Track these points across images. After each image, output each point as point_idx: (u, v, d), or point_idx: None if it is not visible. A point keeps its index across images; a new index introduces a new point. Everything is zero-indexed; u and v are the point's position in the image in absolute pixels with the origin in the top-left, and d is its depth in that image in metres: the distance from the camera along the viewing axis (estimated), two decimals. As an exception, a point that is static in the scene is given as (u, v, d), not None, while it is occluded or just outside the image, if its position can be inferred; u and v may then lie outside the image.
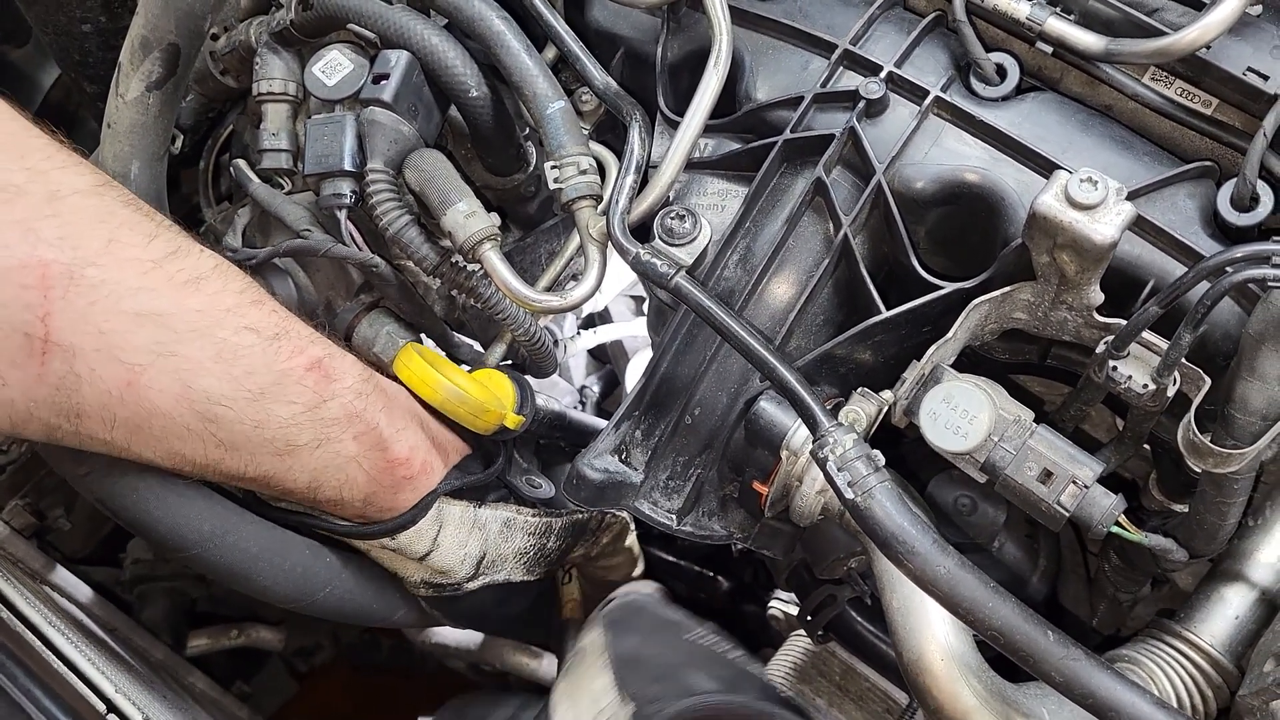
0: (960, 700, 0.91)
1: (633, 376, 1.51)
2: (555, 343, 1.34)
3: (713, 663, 1.09)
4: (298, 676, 2.07)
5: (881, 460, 0.82)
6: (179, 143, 1.21)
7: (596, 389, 1.60)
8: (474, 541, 1.05)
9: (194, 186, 1.35)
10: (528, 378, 1.16)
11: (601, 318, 1.58)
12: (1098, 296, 0.87)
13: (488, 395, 1.00)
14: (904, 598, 0.94)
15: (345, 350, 0.96)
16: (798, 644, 1.31)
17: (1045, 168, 0.91)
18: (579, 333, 1.37)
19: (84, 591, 1.41)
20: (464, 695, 1.37)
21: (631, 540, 1.32)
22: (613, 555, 1.31)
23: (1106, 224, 0.81)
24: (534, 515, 1.11)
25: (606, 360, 1.68)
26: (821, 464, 0.83)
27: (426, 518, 1.00)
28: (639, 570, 1.38)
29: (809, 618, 1.18)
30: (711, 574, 1.79)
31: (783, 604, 1.37)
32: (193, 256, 0.88)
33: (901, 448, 1.09)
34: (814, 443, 0.83)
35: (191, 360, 0.85)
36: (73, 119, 1.52)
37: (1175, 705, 0.97)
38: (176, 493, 0.92)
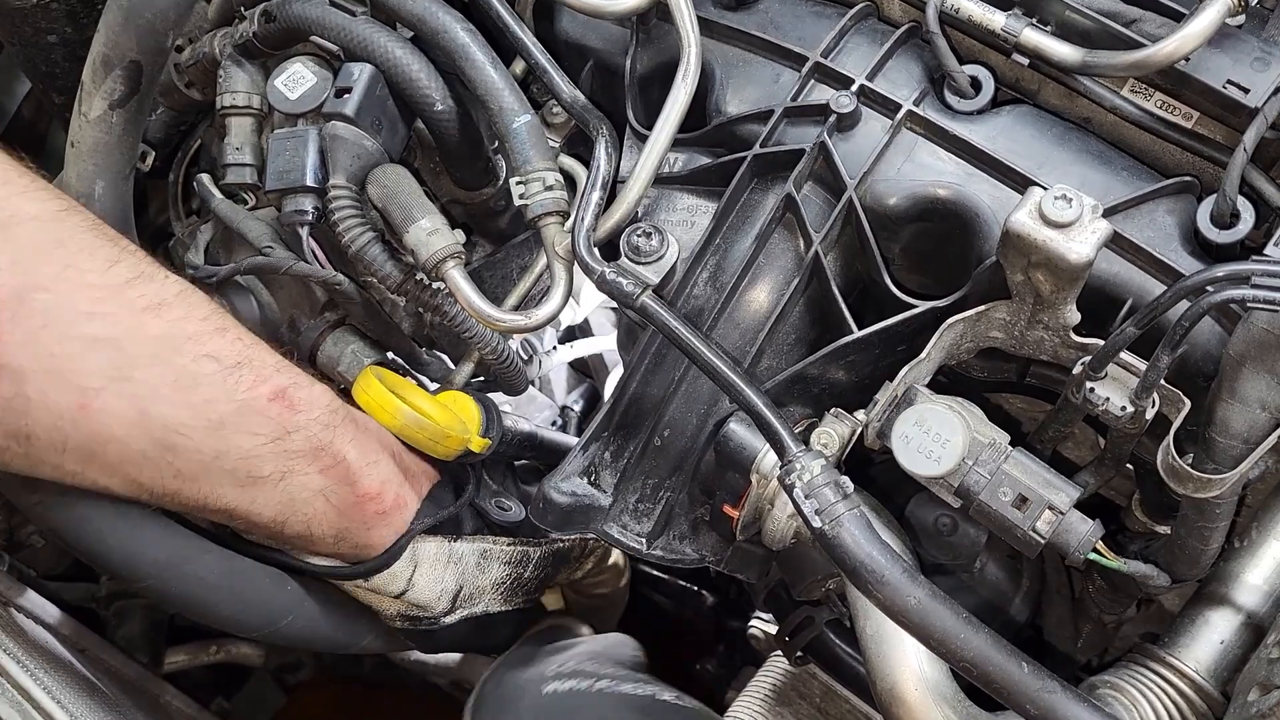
0: (935, 731, 0.89)
1: (611, 389, 1.49)
2: (530, 358, 1.32)
3: None
4: (287, 689, 2.05)
5: (850, 487, 0.80)
6: (149, 159, 1.18)
7: (579, 407, 1.57)
8: (450, 576, 1.03)
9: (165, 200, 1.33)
10: (499, 396, 1.14)
11: (582, 330, 1.56)
12: (1074, 316, 0.85)
13: (450, 419, 0.97)
14: (877, 625, 0.92)
15: (314, 379, 0.94)
16: (777, 665, 1.29)
17: (1020, 183, 0.89)
18: (555, 347, 1.35)
19: (51, 612, 1.38)
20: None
21: (616, 556, 1.30)
22: (598, 574, 1.29)
23: (1081, 243, 0.79)
24: (510, 545, 1.09)
25: (590, 375, 1.66)
26: (788, 490, 0.80)
27: (401, 560, 0.98)
28: (625, 580, 1.36)
29: (787, 639, 1.16)
30: (696, 589, 1.77)
31: (763, 623, 1.34)
32: (156, 282, 0.86)
33: (877, 466, 1.07)
34: (781, 469, 0.81)
35: (148, 386, 0.83)
36: (42, 137, 1.50)
37: (1158, 734, 0.95)
38: (131, 520, 0.90)
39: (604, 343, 1.49)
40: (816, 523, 0.79)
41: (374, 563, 0.97)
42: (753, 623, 1.35)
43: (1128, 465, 0.99)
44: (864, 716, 1.23)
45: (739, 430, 0.92)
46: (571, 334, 1.55)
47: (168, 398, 0.84)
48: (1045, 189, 0.80)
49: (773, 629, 1.36)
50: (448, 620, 1.06)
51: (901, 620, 0.79)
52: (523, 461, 1.24)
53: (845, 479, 0.80)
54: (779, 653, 1.29)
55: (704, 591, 1.76)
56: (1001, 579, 1.14)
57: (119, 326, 0.83)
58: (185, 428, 0.85)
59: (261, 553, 0.98)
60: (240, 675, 2.00)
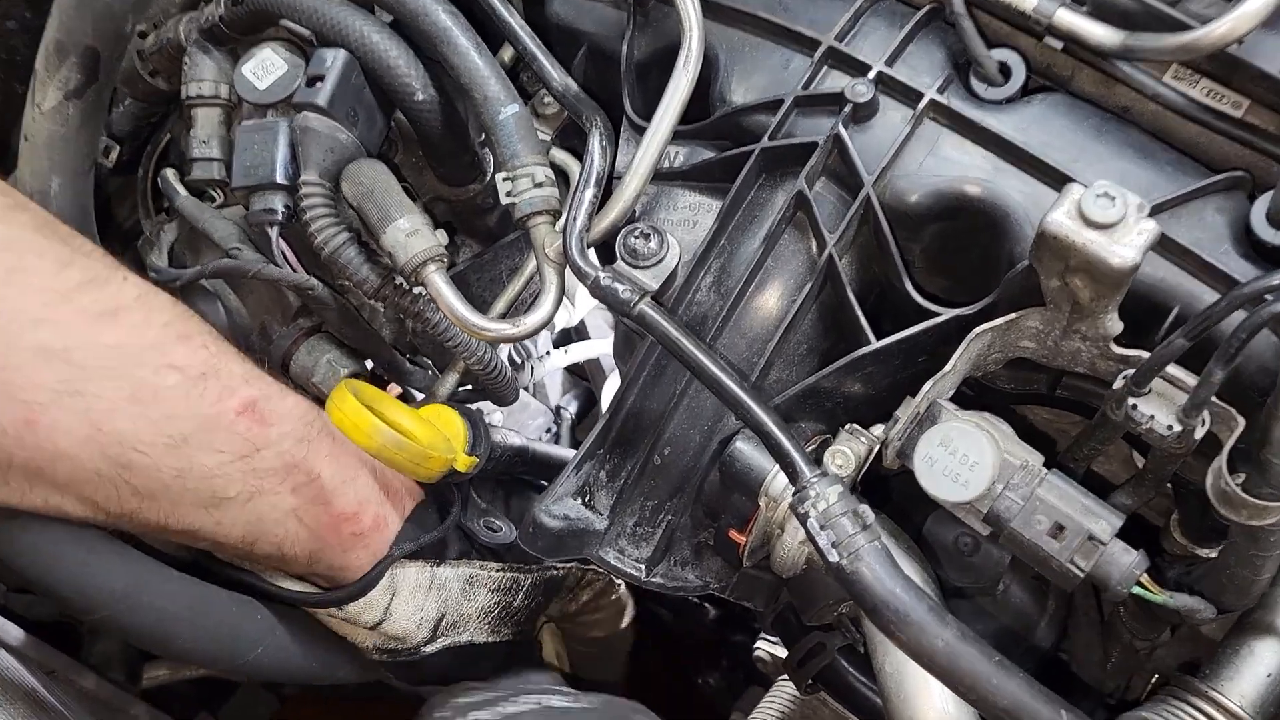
0: (961, 779, 0.81)
1: (608, 397, 1.41)
2: (522, 364, 1.24)
3: None
4: (281, 699, 1.98)
5: (870, 517, 0.72)
6: (113, 154, 1.10)
7: (573, 409, 1.49)
8: (431, 604, 0.95)
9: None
10: (487, 407, 1.06)
11: (578, 333, 1.48)
12: (1115, 326, 0.77)
13: (433, 437, 0.89)
14: (897, 663, 0.84)
15: (288, 389, 0.86)
16: (785, 690, 1.22)
17: (1055, 179, 0.81)
18: (549, 352, 1.27)
19: (14, 634, 1.31)
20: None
21: (620, 593, 1.22)
22: (595, 611, 1.21)
23: (1126, 245, 0.71)
24: (499, 570, 1.01)
25: (586, 377, 1.58)
26: (802, 520, 0.73)
27: (378, 588, 0.90)
28: (627, 620, 1.27)
29: (796, 667, 1.08)
30: (697, 600, 1.70)
31: (769, 645, 1.27)
32: (112, 286, 0.78)
33: (893, 480, 0.99)
34: (793, 496, 0.73)
35: (102, 400, 0.76)
36: (6, 132, 1.42)
37: (1200, 775, 0.88)
38: (84, 547, 0.82)
39: (601, 346, 1.41)
40: (833, 557, 0.71)
41: (348, 590, 0.90)
42: (759, 644, 1.28)
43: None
44: (877, 746, 1.16)
45: (746, 450, 0.84)
46: (567, 337, 1.47)
47: (124, 412, 0.77)
48: (1085, 186, 0.72)
49: (779, 651, 1.28)
50: (428, 650, 0.98)
51: (927, 664, 0.71)
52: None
53: (865, 508, 0.73)
54: (786, 676, 1.22)
55: (706, 604, 1.69)
56: (1026, 602, 1.07)
57: (70, 335, 0.76)
58: (143, 445, 0.78)
59: (231, 574, 0.91)
60: (226, 688, 1.93)
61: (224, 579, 0.91)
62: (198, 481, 0.81)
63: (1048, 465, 0.78)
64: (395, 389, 1.24)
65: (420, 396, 1.04)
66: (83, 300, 0.77)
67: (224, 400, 0.81)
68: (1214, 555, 0.93)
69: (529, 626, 1.08)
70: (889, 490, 1.01)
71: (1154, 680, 1.09)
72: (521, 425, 1.44)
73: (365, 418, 0.81)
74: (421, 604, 0.94)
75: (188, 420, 0.79)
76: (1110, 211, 0.71)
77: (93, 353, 0.77)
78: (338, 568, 0.91)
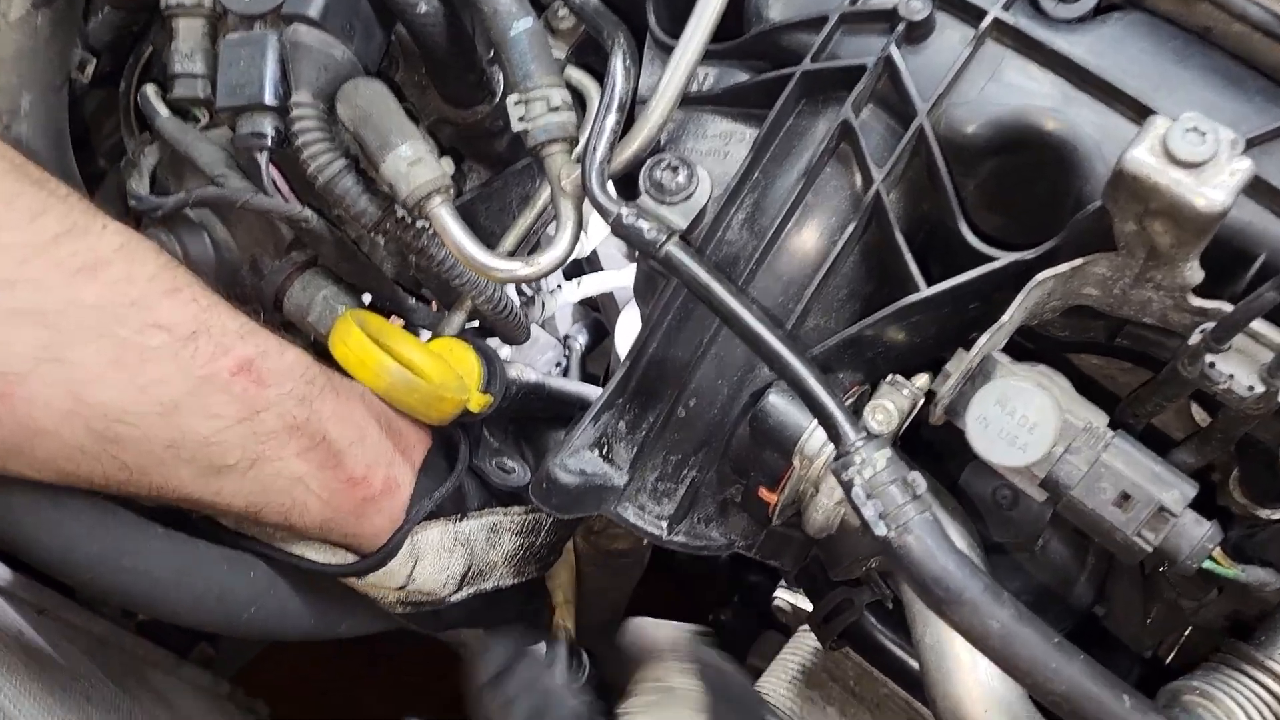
0: (1005, 758, 0.76)
1: (623, 334, 1.34)
2: (531, 299, 1.17)
3: None
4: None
5: (922, 485, 0.66)
6: (89, 68, 1.01)
7: (583, 340, 1.42)
8: (457, 560, 0.89)
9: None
10: (497, 343, 0.99)
11: (590, 263, 1.40)
12: (1195, 275, 0.70)
13: (446, 375, 0.82)
14: (938, 634, 0.79)
15: (287, 342, 0.79)
16: (806, 642, 1.17)
17: (1133, 109, 0.72)
18: (560, 285, 1.19)
19: (2, 574, 1.26)
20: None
21: None
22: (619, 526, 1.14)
23: (1217, 187, 0.63)
24: (522, 514, 0.95)
25: (595, 305, 1.50)
26: (846, 488, 0.66)
27: (398, 556, 0.84)
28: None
29: (822, 623, 1.03)
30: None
31: (789, 594, 1.22)
32: (91, 236, 0.70)
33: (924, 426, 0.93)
34: (837, 461, 0.66)
35: (83, 367, 0.69)
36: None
37: (1254, 751, 0.83)
38: (63, 508, 0.76)
39: (615, 278, 1.34)
40: (880, 530, 0.65)
41: (366, 562, 0.84)
42: (778, 593, 1.23)
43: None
44: (903, 702, 1.11)
45: (780, 404, 0.77)
46: (579, 267, 1.39)
47: (108, 380, 0.70)
48: (1169, 118, 0.64)
49: (800, 601, 1.23)
50: (453, 599, 0.93)
51: (981, 646, 0.65)
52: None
53: (916, 475, 0.66)
54: (807, 627, 1.17)
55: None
56: (1065, 558, 1.01)
57: (47, 295, 0.68)
58: (131, 415, 0.71)
59: (233, 540, 0.85)
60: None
61: (224, 544, 0.85)
62: (193, 451, 0.74)
63: (1117, 430, 0.72)
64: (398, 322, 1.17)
65: (427, 335, 0.97)
66: (59, 253, 0.69)
67: (217, 360, 0.74)
68: (1276, 516, 0.87)
69: (551, 560, 1.02)
70: (917, 437, 0.94)
71: (1187, 633, 1.04)
72: (530, 359, 1.37)
73: (374, 354, 0.74)
74: (447, 563, 0.88)
75: (178, 384, 0.72)
76: (1200, 148, 0.63)
77: (72, 314, 0.69)
78: (352, 535, 0.85)
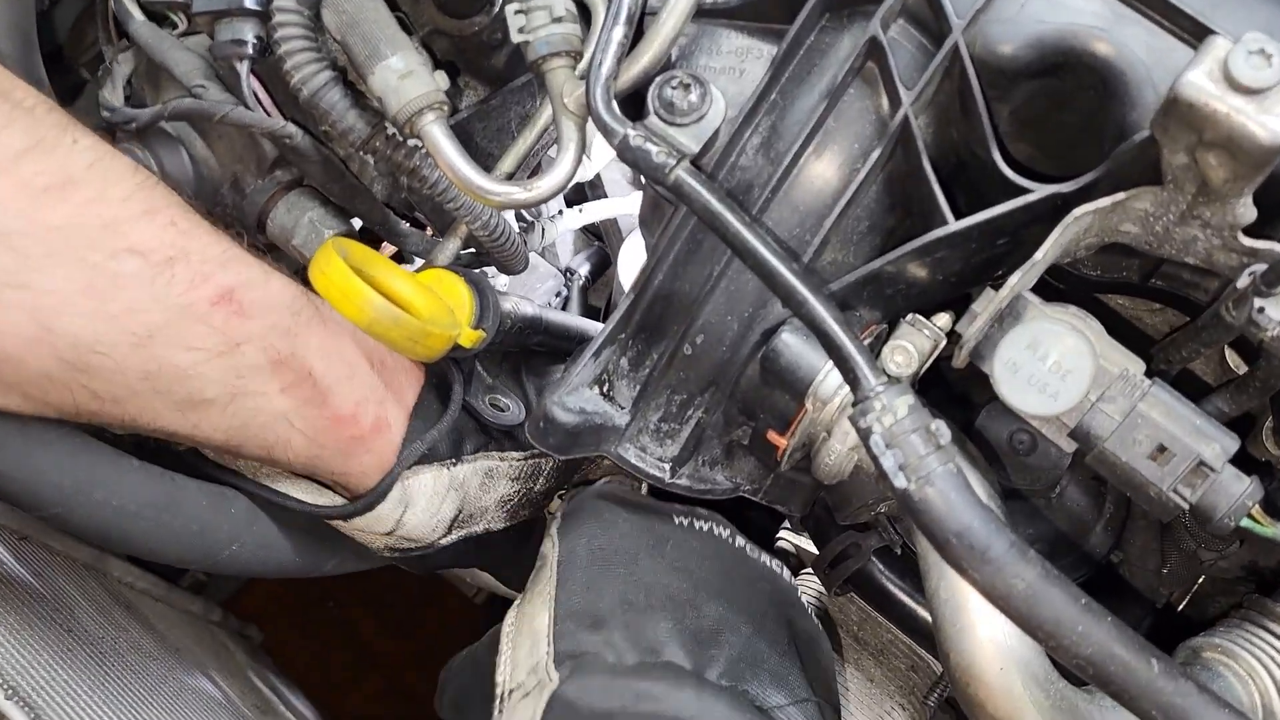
0: (1022, 717, 0.73)
1: (627, 265, 1.28)
2: (531, 225, 1.11)
3: (681, 607, 0.81)
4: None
5: (946, 435, 0.61)
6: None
7: (585, 271, 1.36)
8: (449, 504, 0.85)
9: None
10: (493, 272, 0.94)
11: (593, 189, 1.34)
12: (1249, 213, 0.64)
13: (435, 308, 0.77)
14: (953, 588, 0.75)
15: (272, 269, 0.74)
16: (809, 585, 1.13)
17: (1188, 30, 0.66)
18: (561, 211, 1.14)
19: (-20, 503, 1.22)
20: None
21: None
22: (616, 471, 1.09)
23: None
24: (520, 459, 0.91)
25: (598, 234, 1.44)
26: (865, 436, 0.61)
27: (387, 501, 0.80)
28: None
29: (829, 568, 0.99)
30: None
31: (792, 535, 1.18)
32: (60, 152, 0.65)
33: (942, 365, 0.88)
34: (855, 407, 0.62)
35: (51, 294, 0.64)
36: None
37: (1279, 710, 0.80)
38: (31, 439, 0.71)
39: (620, 205, 1.28)
40: (900, 482, 0.60)
41: (353, 506, 0.80)
42: (781, 534, 1.19)
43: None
44: (905, 646, 1.08)
45: (794, 343, 0.73)
46: (581, 192, 1.33)
47: (78, 307, 0.65)
48: (1229, 39, 0.59)
49: (804, 543, 1.20)
50: (442, 543, 0.89)
51: (1003, 606, 0.61)
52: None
53: (940, 424, 0.61)
54: (810, 571, 1.13)
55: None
56: (1083, 504, 0.98)
57: (10, 216, 0.63)
58: (102, 344, 0.66)
59: (216, 473, 0.81)
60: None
61: (206, 478, 0.81)
62: (169, 383, 0.69)
63: (1153, 378, 0.67)
64: (390, 249, 1.12)
65: (418, 263, 0.91)
66: (24, 171, 0.64)
67: (196, 288, 0.69)
68: (1309, 468, 0.83)
69: (545, 504, 0.98)
70: (929, 378, 0.90)
71: (1200, 582, 1.01)
72: (529, 288, 1.32)
73: (356, 286, 0.69)
74: (438, 508, 0.84)
75: (154, 313, 0.67)
76: (1265, 73, 0.58)
77: (38, 236, 0.64)
78: (339, 474, 0.81)
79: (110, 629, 1.18)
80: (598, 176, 1.32)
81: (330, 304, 0.72)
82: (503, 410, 0.92)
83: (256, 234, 0.86)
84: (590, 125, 0.73)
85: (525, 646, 0.80)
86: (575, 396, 0.78)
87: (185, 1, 0.84)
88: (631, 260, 1.25)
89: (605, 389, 0.80)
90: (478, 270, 1.06)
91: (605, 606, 0.79)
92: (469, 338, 0.82)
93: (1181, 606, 1.02)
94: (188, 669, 1.31)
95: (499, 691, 0.78)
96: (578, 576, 0.81)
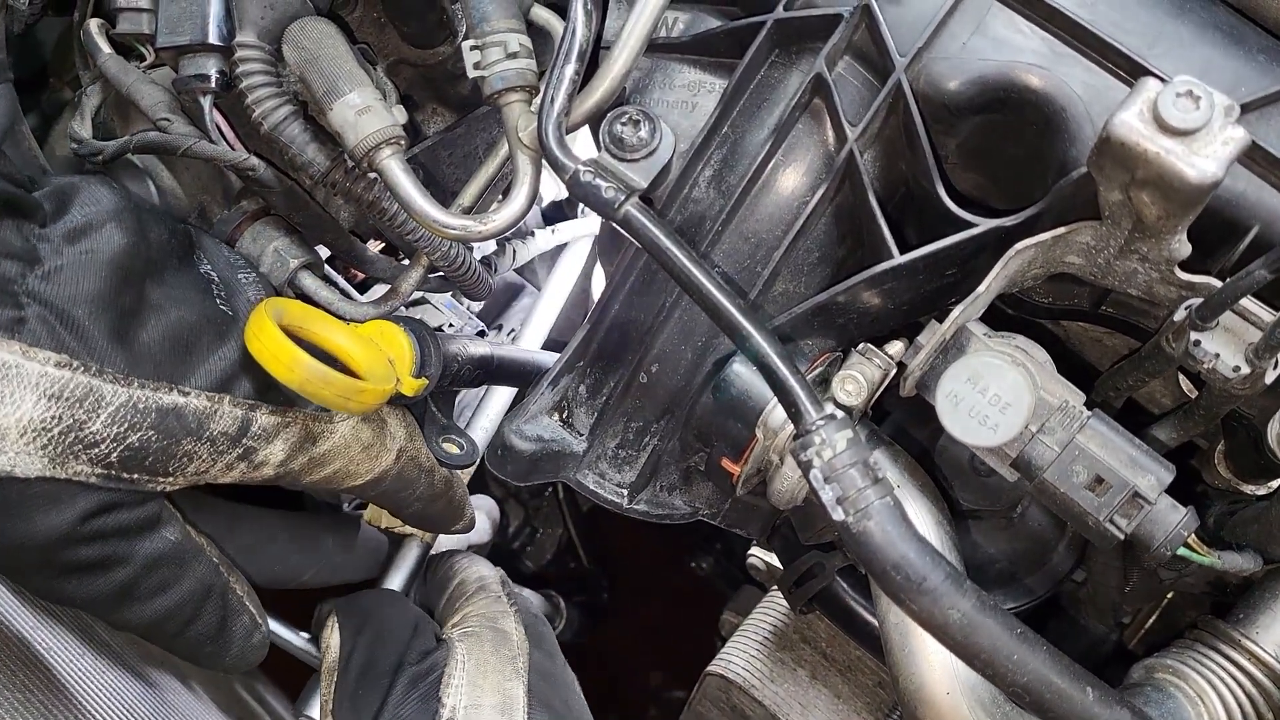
0: (968, 741, 0.74)
1: (600, 285, 1.29)
2: (503, 247, 1.12)
3: None
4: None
5: (883, 469, 0.63)
6: (28, -4, 0.96)
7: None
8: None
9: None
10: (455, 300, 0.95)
11: (570, 205, 1.35)
12: (1183, 249, 0.66)
13: (373, 360, 0.78)
14: (902, 614, 0.75)
15: None
16: (778, 602, 1.14)
17: (1125, 68, 0.68)
18: (533, 232, 1.15)
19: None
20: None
21: (350, 431, 0.82)
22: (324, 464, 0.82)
23: (1208, 158, 0.59)
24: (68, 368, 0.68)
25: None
26: (805, 469, 0.63)
27: None
28: (394, 456, 0.86)
29: (793, 587, 1.00)
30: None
31: (763, 551, 1.19)
32: None
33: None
34: (796, 441, 0.63)
35: None
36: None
37: (1228, 730, 0.81)
38: None
39: (593, 225, 1.29)
40: (838, 514, 0.62)
41: None
42: (752, 550, 1.20)
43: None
44: (874, 664, 1.09)
45: (743, 374, 0.74)
46: (559, 211, 1.34)
47: None
48: (1163, 80, 0.60)
49: (774, 559, 1.21)
50: None
51: (940, 636, 0.63)
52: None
53: (878, 456, 0.63)
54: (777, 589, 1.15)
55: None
56: (1044, 525, 0.98)
57: None
58: None
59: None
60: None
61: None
62: None
63: (1093, 410, 0.68)
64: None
65: (366, 306, 0.89)
66: None
67: None
68: (1261, 492, 0.84)
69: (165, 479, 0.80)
70: (894, 399, 0.91)
71: (1168, 598, 1.02)
72: (508, 310, 1.33)
73: (286, 348, 0.69)
74: None
75: None
76: (1192, 115, 0.59)
77: None
78: None
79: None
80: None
81: (264, 365, 0.71)
82: (459, 449, 0.92)
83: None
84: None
85: (491, 697, 0.82)
86: (533, 424, 0.79)
87: (152, 34, 0.85)
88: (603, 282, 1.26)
89: (564, 416, 0.81)
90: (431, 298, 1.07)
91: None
92: (410, 386, 0.82)
93: (1150, 622, 1.03)
94: (169, 680, 1.32)
95: (445, 714, 0.79)
96: (542, 674, 0.86)
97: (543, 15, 0.85)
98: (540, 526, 1.69)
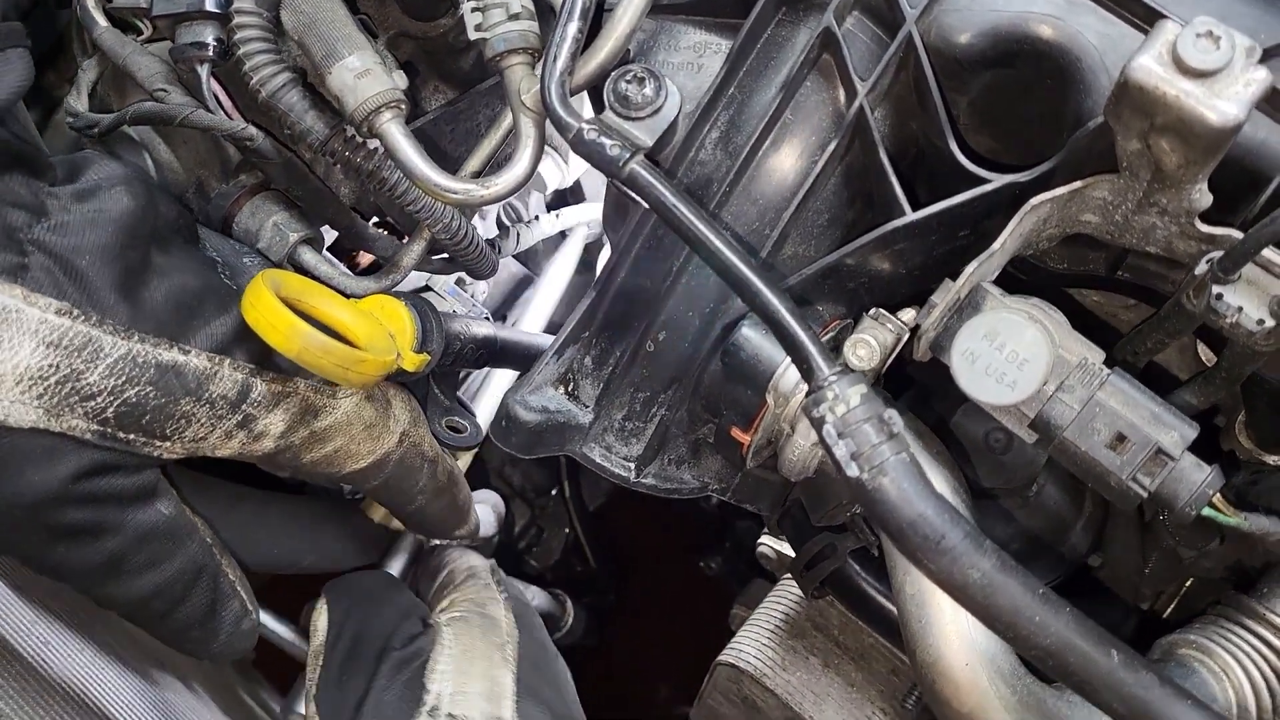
0: (988, 714, 0.72)
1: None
2: (508, 230, 1.11)
3: None
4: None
5: (898, 423, 0.60)
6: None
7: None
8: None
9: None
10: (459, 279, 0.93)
11: (574, 194, 1.34)
12: (1204, 199, 0.64)
13: (373, 333, 0.76)
14: (919, 583, 0.74)
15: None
16: (789, 590, 1.12)
17: (1142, 17, 0.66)
18: (538, 217, 1.13)
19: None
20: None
21: (353, 407, 0.80)
22: (321, 440, 0.80)
23: (1230, 99, 0.57)
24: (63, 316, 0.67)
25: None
26: (817, 425, 0.61)
27: None
28: (397, 439, 0.84)
29: (804, 571, 0.98)
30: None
31: (774, 540, 1.17)
32: None
33: (913, 364, 0.88)
34: (808, 397, 0.61)
35: None
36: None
37: (1254, 707, 0.79)
38: None
39: (597, 210, 1.27)
40: (852, 470, 0.60)
41: None
42: (762, 539, 1.18)
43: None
44: (887, 650, 1.07)
45: (753, 337, 0.72)
46: (562, 199, 1.33)
47: None
48: (1179, 24, 0.58)
49: (784, 547, 1.19)
50: None
51: (960, 597, 0.60)
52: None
53: (892, 413, 0.61)
54: (789, 575, 1.13)
55: (709, 486, 1.60)
56: (1061, 504, 0.96)
57: None
58: None
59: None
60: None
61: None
62: None
63: (1113, 367, 0.66)
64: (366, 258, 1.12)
65: (367, 283, 0.87)
66: None
67: None
68: (1282, 464, 0.82)
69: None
70: (906, 375, 0.89)
71: (1189, 584, 1.00)
72: (513, 297, 1.32)
73: (283, 316, 0.68)
74: None
75: None
76: (1213, 55, 0.57)
77: None
78: None
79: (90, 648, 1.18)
80: (579, 183, 1.32)
81: (261, 335, 0.70)
82: (460, 431, 0.90)
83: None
84: (549, 122, 0.72)
85: (478, 684, 0.80)
86: (538, 395, 0.78)
87: (148, 7, 0.84)
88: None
89: (569, 388, 0.80)
90: (451, 278, 1.06)
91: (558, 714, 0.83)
92: (412, 361, 0.80)
93: (1168, 612, 1.01)
94: (170, 680, 1.30)
95: (430, 701, 0.77)
96: (532, 662, 0.85)
97: (545, -12, 0.84)
98: (546, 526, 1.67)
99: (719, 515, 1.64)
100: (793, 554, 1.09)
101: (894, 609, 0.99)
